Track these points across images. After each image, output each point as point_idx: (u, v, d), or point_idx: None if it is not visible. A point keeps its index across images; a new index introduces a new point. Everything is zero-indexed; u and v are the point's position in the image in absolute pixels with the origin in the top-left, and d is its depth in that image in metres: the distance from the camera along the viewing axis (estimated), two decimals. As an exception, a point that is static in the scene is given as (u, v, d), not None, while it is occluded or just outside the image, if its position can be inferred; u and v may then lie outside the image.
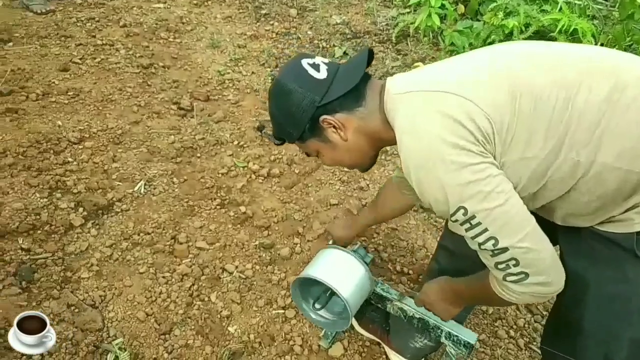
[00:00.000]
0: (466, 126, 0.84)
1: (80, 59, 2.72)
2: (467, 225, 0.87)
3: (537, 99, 0.85)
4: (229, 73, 2.84)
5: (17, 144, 2.08)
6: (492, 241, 0.85)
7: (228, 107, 2.58)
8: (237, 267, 1.76)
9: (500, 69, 0.90)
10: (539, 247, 0.85)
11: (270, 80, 2.84)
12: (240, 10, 3.48)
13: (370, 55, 1.05)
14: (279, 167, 2.25)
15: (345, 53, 3.12)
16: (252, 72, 2.89)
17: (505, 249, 0.85)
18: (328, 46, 3.18)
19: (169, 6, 3.42)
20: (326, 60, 1.07)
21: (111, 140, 2.21)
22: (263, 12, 3.46)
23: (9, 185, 1.90)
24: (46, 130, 2.18)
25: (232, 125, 2.46)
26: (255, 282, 1.72)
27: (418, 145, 0.89)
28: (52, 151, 2.09)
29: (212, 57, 2.95)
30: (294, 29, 3.31)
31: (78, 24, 3.05)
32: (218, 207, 2.00)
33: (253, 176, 2.19)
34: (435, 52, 3.22)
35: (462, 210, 0.86)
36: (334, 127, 1.03)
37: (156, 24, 3.18)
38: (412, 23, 3.22)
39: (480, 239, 0.87)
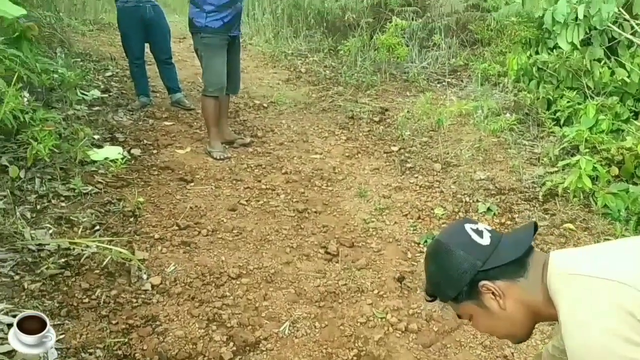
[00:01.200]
0: None
1: (246, 200, 3.11)
2: None
3: None
4: (373, 222, 3.01)
5: (186, 274, 2.38)
6: None
7: (370, 255, 2.70)
8: None
9: None
10: None
11: (411, 232, 2.93)
12: (387, 163, 3.75)
13: (535, 228, 1.08)
14: (417, 322, 2.24)
15: (489, 209, 3.14)
16: (395, 222, 3.02)
17: None
18: (471, 201, 3.24)
19: (324, 157, 3.82)
20: (489, 228, 1.12)
21: (264, 278, 2.42)
22: (408, 165, 3.69)
23: (175, 313, 2.15)
24: (211, 264, 2.47)
25: (374, 274, 2.55)
26: None
27: (586, 336, 0.86)
28: (214, 284, 2.34)
29: (359, 206, 3.17)
30: (438, 183, 3.45)
31: (247, 170, 3.53)
32: (354, 357, 2.02)
33: (390, 329, 2.19)
34: (586, 214, 3.09)
35: None
36: (493, 293, 1.04)
37: (312, 172, 3.55)
38: (560, 183, 3.18)
39: None
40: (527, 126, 4.10)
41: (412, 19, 6.68)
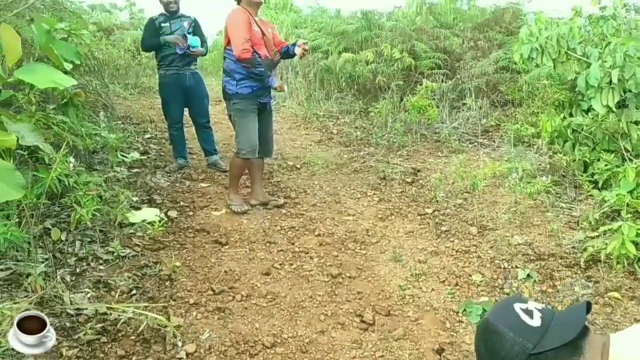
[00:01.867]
0: None
1: (280, 264, 3.10)
2: None
3: None
4: (409, 288, 2.94)
5: (220, 342, 2.35)
6: None
7: (408, 325, 2.62)
8: None
9: None
10: None
11: (449, 300, 2.85)
12: (422, 226, 3.71)
13: (589, 307, 1.04)
14: (459, 398, 2.14)
15: (529, 276, 3.04)
16: (432, 289, 2.95)
17: None
18: (510, 267, 3.15)
19: (357, 219, 3.82)
20: (540, 307, 1.08)
21: (299, 348, 2.36)
22: (443, 228, 3.64)
23: (209, 383, 2.11)
24: (245, 331, 2.44)
25: (411, 345, 2.46)
26: None
27: None
28: (248, 353, 2.30)
29: (394, 271, 3.12)
30: (474, 248, 3.38)
31: (281, 232, 3.55)
32: None
33: (431, 406, 2.09)
34: (632, 282, 2.96)
35: None
36: None
37: (345, 235, 3.54)
38: (603, 249, 3.07)
39: None
40: (564, 189, 4.03)
41: (442, 81, 6.80)
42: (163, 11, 4.55)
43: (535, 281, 2.97)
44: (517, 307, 1.07)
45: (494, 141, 5.73)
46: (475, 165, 4.66)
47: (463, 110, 6.52)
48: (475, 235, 3.52)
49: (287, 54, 3.81)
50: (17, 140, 2.69)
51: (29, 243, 2.59)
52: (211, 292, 2.75)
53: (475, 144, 5.69)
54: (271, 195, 4.12)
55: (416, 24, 7.68)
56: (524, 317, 1.05)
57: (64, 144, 3.09)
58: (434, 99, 6.31)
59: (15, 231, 2.40)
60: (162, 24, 4.48)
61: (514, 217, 3.67)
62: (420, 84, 6.19)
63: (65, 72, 3.41)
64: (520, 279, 3.00)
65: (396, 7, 8.42)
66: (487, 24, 7.74)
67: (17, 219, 2.49)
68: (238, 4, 3.66)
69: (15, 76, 2.89)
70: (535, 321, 1.04)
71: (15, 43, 2.86)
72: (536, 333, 1.02)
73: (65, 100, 3.89)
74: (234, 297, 2.73)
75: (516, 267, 3.11)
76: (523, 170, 4.22)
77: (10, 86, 3.15)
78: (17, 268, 2.52)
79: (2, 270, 2.50)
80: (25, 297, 2.36)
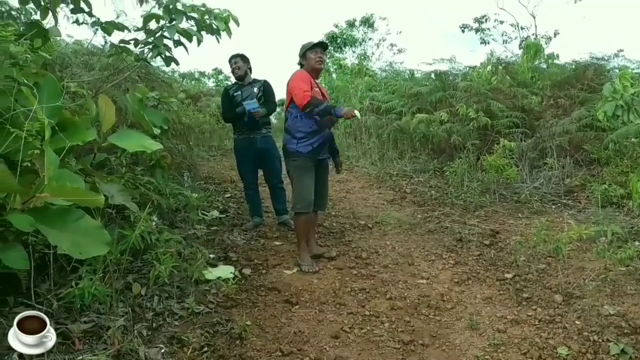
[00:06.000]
0: None
1: (349, 327, 3.03)
2: None
3: None
4: (487, 359, 2.75)
5: (287, 406, 2.30)
6: None
7: (485, 400, 2.43)
8: None
9: None
10: None
11: (533, 374, 2.62)
12: (501, 292, 3.50)
13: None
14: None
15: (623, 351, 2.74)
16: (513, 361, 2.73)
17: None
18: (601, 340, 2.86)
19: (431, 282, 3.68)
20: None
21: (367, 418, 2.25)
22: (524, 295, 3.41)
23: None
24: (313, 396, 2.37)
25: (490, 423, 2.27)
26: None
27: None
28: (314, 420, 2.22)
29: (471, 340, 2.94)
30: (559, 317, 3.12)
31: (351, 294, 3.49)
32: None
33: None
34: None
35: None
36: None
37: (418, 299, 3.41)
38: None
39: None
40: (661, 255, 3.67)
41: (521, 140, 6.61)
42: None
43: (630, 358, 2.67)
44: None
45: (579, 202, 5.41)
46: (559, 227, 4.38)
47: (544, 169, 6.26)
48: (560, 304, 3.26)
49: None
50: (107, 200, 2.91)
51: (111, 297, 2.74)
52: (280, 354, 2.72)
53: (559, 204, 5.39)
54: (342, 255, 4.11)
55: (492, 83, 7.62)
56: None
57: (149, 203, 3.31)
58: (512, 157, 6.12)
59: (100, 286, 2.56)
60: (235, 93, 4.78)
61: (603, 285, 3.38)
62: (497, 143, 6.05)
63: (154, 137, 3.70)
64: (613, 355, 2.70)
65: (470, 68, 8.43)
66: (567, 81, 7.53)
67: (102, 274, 2.65)
68: (301, 67, 3.93)
69: (109, 141, 3.18)
70: None
71: (111, 112, 3.17)
72: None
73: (152, 162, 4.19)
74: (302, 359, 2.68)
75: (607, 340, 2.82)
76: (612, 234, 3.91)
77: (104, 150, 3.47)
78: (99, 321, 2.65)
79: (85, 322, 2.65)
80: (104, 349, 2.46)
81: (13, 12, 3.93)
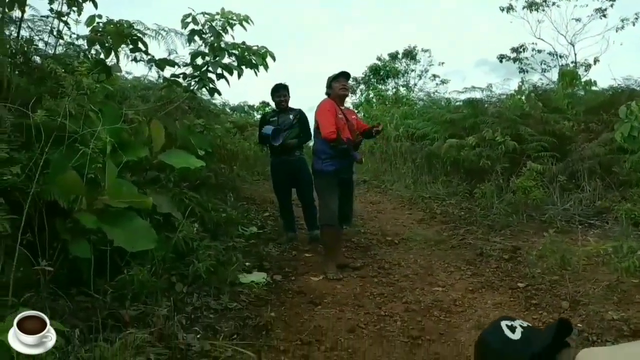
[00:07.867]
0: None
1: (365, 324, 3.35)
2: None
3: None
4: (488, 354, 2.99)
5: (301, 383, 2.65)
6: None
7: (481, 386, 2.67)
8: None
9: None
10: None
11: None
12: (511, 299, 3.72)
13: (566, 326, 1.21)
14: None
15: (622, 352, 2.91)
16: (513, 357, 2.96)
17: None
18: (599, 340, 3.04)
19: (446, 290, 3.95)
20: (525, 324, 1.27)
21: (369, 394, 2.57)
22: (533, 302, 3.62)
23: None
24: (324, 376, 2.71)
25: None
26: None
27: None
28: (323, 393, 2.56)
29: (475, 337, 3.18)
30: (565, 321, 3.31)
31: (370, 297, 3.81)
32: None
33: None
34: None
35: None
36: None
37: (432, 303, 3.69)
38: None
39: None
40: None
41: (552, 164, 6.76)
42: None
43: None
44: (503, 323, 1.28)
45: (606, 222, 5.51)
46: (580, 243, 4.54)
47: (576, 192, 6.37)
48: (566, 309, 3.45)
49: (370, 134, 4.57)
50: (155, 208, 3.42)
51: (157, 292, 3.20)
52: (299, 342, 3.08)
53: (585, 224, 5.51)
54: (367, 266, 4.44)
55: (524, 110, 7.83)
56: (507, 332, 1.26)
57: (191, 211, 3.80)
58: (542, 180, 6.29)
59: (147, 276, 3.03)
60: (271, 119, 5.28)
61: (611, 294, 3.54)
62: (527, 167, 6.25)
63: (198, 157, 4.24)
64: (610, 354, 2.88)
65: (504, 95, 8.67)
66: (601, 106, 7.63)
67: (150, 267, 3.12)
68: (328, 96, 4.41)
69: (159, 159, 3.71)
70: (516, 335, 1.25)
71: (161, 135, 3.71)
72: (516, 344, 1.22)
73: (198, 181, 4.72)
74: (318, 348, 3.02)
75: (606, 341, 3.01)
76: (628, 248, 4.05)
77: (155, 168, 4.01)
78: (146, 309, 3.11)
79: (134, 310, 3.11)
80: (149, 331, 2.91)
81: (81, 51, 4.63)
